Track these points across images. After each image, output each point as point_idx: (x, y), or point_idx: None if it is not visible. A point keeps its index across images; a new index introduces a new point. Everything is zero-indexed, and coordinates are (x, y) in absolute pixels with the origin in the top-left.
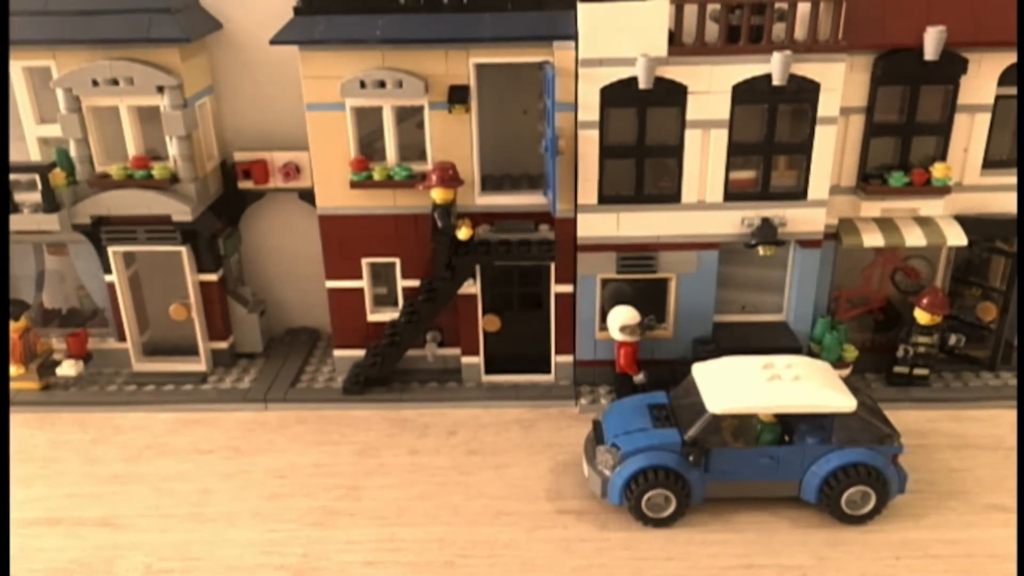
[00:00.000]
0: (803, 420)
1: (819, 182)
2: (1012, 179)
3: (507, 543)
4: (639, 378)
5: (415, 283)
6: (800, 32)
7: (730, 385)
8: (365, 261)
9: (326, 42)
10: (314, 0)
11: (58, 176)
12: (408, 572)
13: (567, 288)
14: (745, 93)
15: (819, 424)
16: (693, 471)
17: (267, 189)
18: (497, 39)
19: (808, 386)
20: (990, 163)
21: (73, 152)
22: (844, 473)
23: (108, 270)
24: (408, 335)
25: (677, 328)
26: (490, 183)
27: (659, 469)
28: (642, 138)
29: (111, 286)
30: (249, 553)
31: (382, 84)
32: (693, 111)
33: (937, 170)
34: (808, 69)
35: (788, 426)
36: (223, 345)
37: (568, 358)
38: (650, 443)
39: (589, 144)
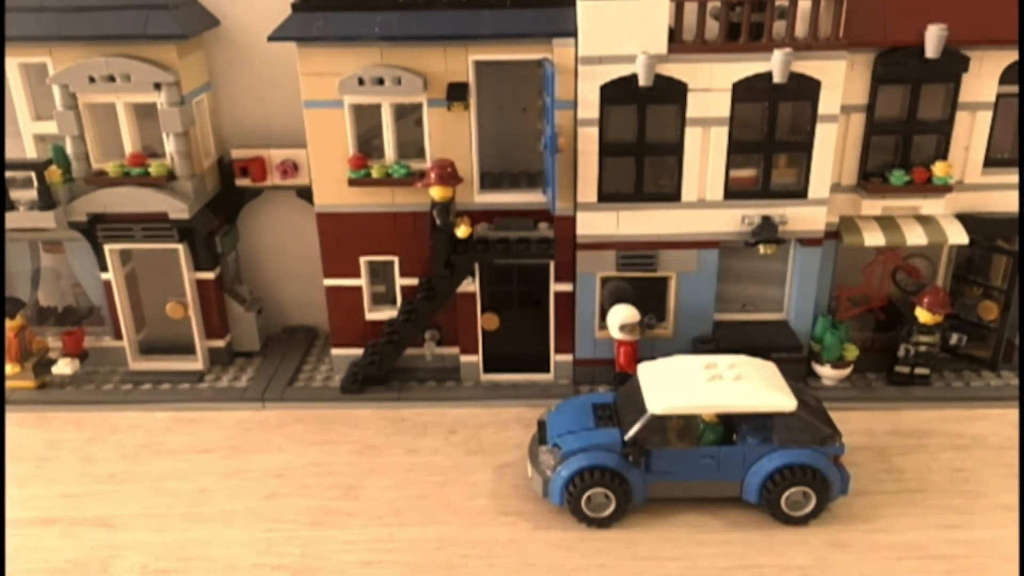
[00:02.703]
0: (746, 420)
1: (820, 180)
2: (1013, 178)
3: (506, 543)
4: None
5: (414, 281)
6: (801, 30)
7: (671, 385)
8: (363, 259)
9: (324, 39)
10: None
11: (54, 173)
12: (407, 572)
13: (566, 287)
14: (745, 91)
15: (762, 425)
16: (633, 471)
17: (265, 187)
18: (496, 36)
19: (748, 386)
20: (991, 161)
21: (69, 149)
22: (784, 474)
23: (104, 268)
24: (406, 334)
25: (677, 327)
26: (489, 181)
27: (599, 469)
28: (642, 136)
29: (107, 284)
30: (246, 553)
31: (380, 81)
32: (693, 109)
33: (938, 168)
34: (809, 67)
35: (731, 426)
36: (220, 344)
37: (567, 357)
38: (590, 443)
39: (589, 142)
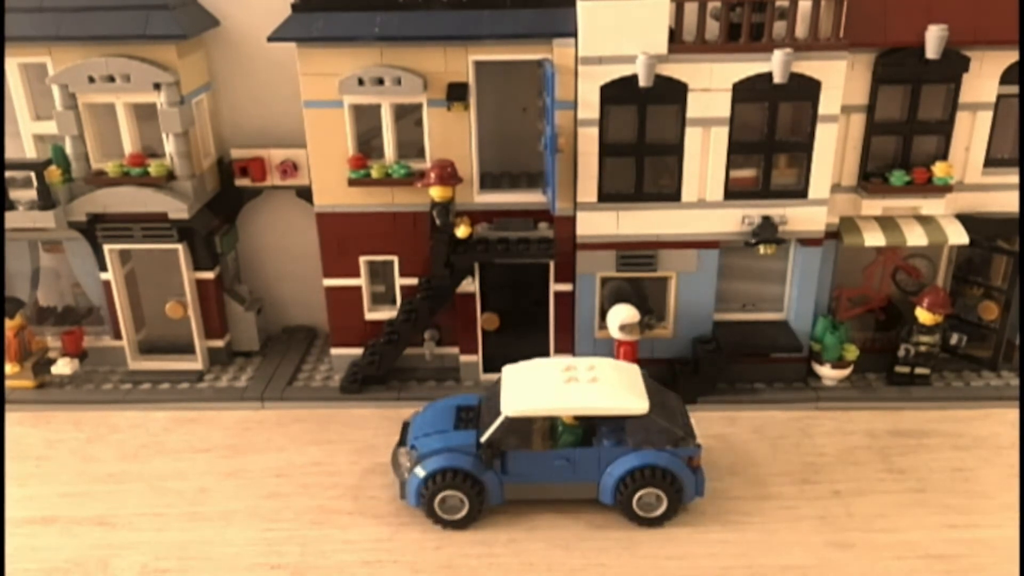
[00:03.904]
0: (604, 423)
1: (820, 181)
2: (1014, 178)
3: (506, 542)
4: None
5: (413, 281)
6: (801, 30)
7: (528, 387)
8: (363, 259)
9: (324, 39)
10: None
11: (54, 173)
12: (406, 572)
13: (566, 287)
14: (746, 91)
15: (618, 427)
16: (488, 473)
17: (264, 187)
18: (496, 36)
19: (602, 389)
20: (991, 162)
21: (69, 149)
22: (635, 475)
23: (104, 268)
24: (406, 333)
25: (677, 327)
26: (489, 181)
27: (452, 471)
28: (642, 136)
29: (107, 284)
30: (246, 552)
31: (380, 81)
32: (693, 109)
33: (938, 169)
34: (809, 67)
35: (591, 429)
36: (220, 343)
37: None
38: (446, 445)
39: (589, 142)
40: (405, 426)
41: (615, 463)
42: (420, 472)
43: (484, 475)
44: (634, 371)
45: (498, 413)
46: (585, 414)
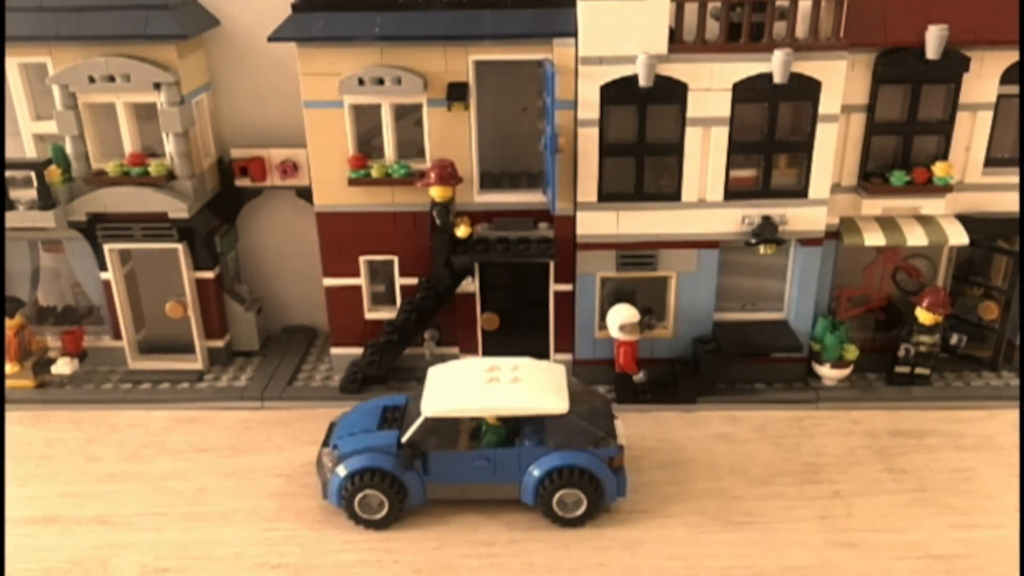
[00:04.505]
0: (527, 423)
1: (820, 180)
2: (1014, 178)
3: (506, 542)
4: (639, 377)
5: (413, 281)
6: (801, 30)
7: (449, 388)
8: (363, 259)
9: (324, 39)
10: None
11: (54, 173)
12: (407, 572)
13: (566, 286)
14: (746, 91)
15: (540, 427)
16: (409, 473)
17: (264, 187)
18: (496, 36)
19: (522, 389)
20: (992, 162)
21: (69, 149)
22: (555, 476)
23: (104, 267)
24: (406, 333)
25: (677, 327)
26: (489, 181)
27: (372, 471)
28: (642, 136)
29: (107, 283)
30: (246, 552)
31: (380, 81)
32: (694, 109)
33: (939, 169)
34: (809, 67)
35: (515, 430)
36: (219, 343)
37: (567, 357)
38: (367, 445)
39: (589, 142)
40: (331, 427)
41: (535, 463)
42: (341, 472)
43: (405, 475)
44: (558, 372)
45: (418, 413)
46: (503, 414)
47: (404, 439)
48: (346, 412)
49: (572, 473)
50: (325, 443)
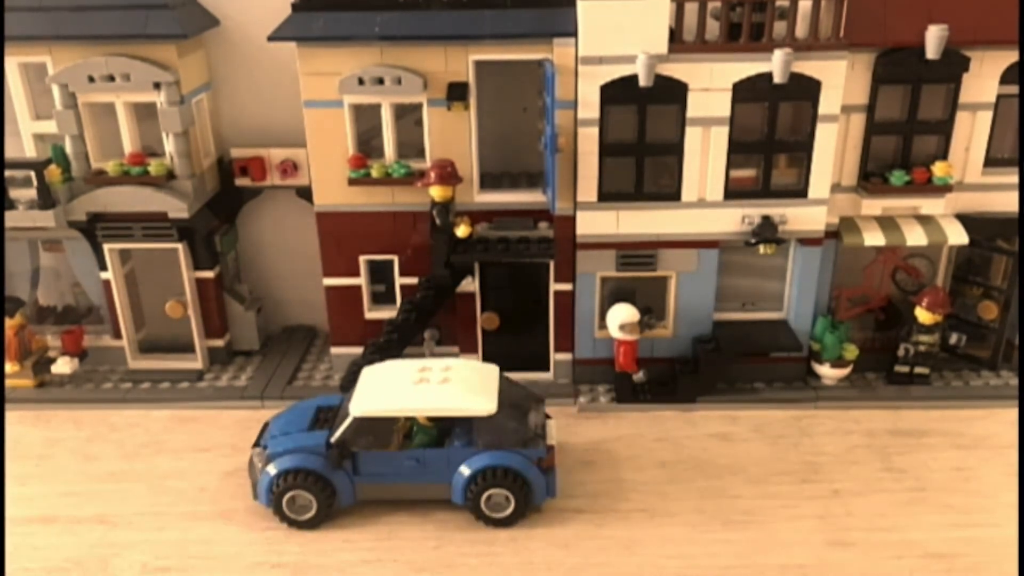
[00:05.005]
0: (457, 424)
1: (820, 180)
2: (1013, 178)
3: (506, 541)
4: (639, 376)
5: (413, 281)
6: (801, 30)
7: (379, 388)
8: (363, 258)
9: (324, 39)
10: None
11: (54, 173)
12: (406, 570)
13: (566, 286)
14: (746, 91)
15: (469, 428)
16: (338, 473)
17: (264, 186)
18: (497, 36)
19: (450, 389)
20: (991, 162)
21: (69, 148)
22: (483, 476)
23: (104, 267)
24: (406, 333)
25: (677, 326)
26: (489, 181)
27: (300, 471)
28: (642, 136)
29: (107, 283)
30: (246, 552)
31: (380, 81)
32: (694, 109)
33: (938, 169)
34: (809, 67)
35: (447, 430)
36: (219, 343)
37: (567, 356)
38: (296, 445)
39: (589, 142)
40: (265, 426)
41: (464, 463)
42: (271, 471)
43: (334, 475)
44: (491, 372)
45: (347, 413)
46: (430, 414)
47: (332, 439)
48: (280, 412)
49: (500, 473)
50: (256, 443)
